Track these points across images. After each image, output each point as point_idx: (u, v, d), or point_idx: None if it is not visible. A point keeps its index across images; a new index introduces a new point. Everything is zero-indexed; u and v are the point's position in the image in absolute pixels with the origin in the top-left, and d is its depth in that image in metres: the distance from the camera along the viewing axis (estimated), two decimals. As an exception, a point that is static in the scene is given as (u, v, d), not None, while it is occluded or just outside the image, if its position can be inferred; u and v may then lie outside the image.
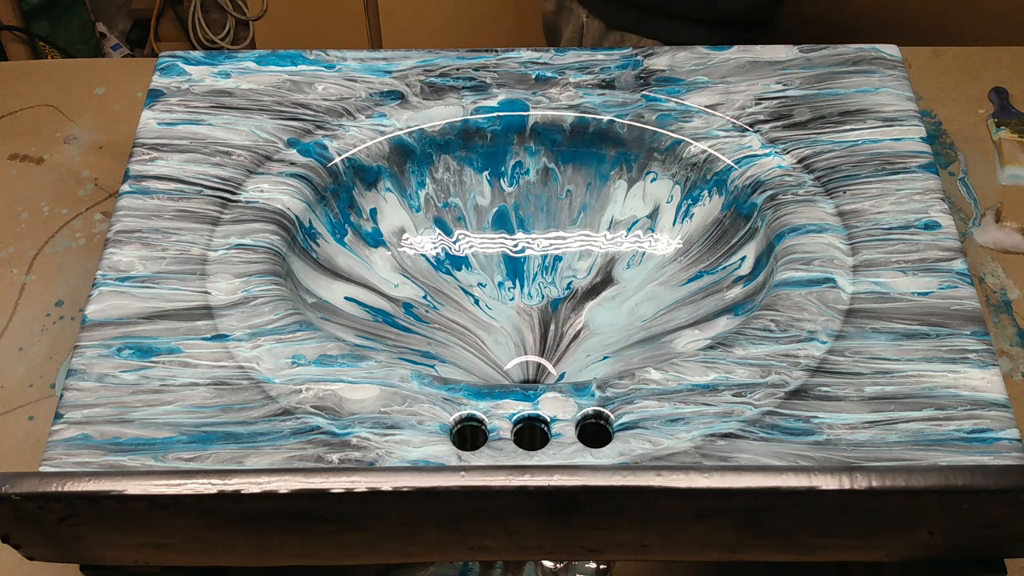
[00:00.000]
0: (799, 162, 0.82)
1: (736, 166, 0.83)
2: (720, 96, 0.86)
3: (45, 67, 1.15)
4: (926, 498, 0.55)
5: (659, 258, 0.86)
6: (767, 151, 0.83)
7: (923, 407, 0.67)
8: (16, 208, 1.00)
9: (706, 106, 0.86)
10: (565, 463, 0.65)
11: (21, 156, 1.04)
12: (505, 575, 0.79)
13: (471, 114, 0.86)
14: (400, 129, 0.85)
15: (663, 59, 0.89)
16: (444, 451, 0.66)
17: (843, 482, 0.55)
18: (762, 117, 0.85)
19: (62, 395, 0.69)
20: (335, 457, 0.65)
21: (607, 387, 0.69)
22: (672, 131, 0.85)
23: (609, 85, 0.87)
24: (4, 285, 0.94)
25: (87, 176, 1.02)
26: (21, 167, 1.03)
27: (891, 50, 0.90)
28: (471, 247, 0.88)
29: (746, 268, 0.81)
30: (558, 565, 0.78)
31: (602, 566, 0.79)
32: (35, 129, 1.06)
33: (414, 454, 0.65)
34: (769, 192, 0.80)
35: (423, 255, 0.87)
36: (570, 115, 0.86)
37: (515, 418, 0.68)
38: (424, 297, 0.85)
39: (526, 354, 0.83)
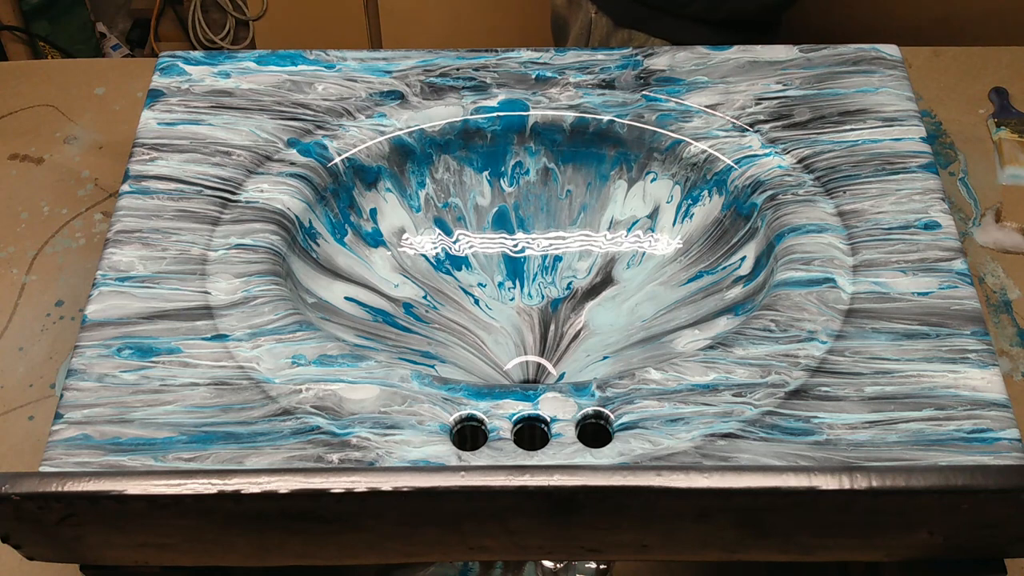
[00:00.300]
0: (799, 162, 0.82)
1: (736, 166, 0.83)
2: (720, 96, 0.86)
3: (45, 67, 1.15)
4: (926, 498, 0.55)
5: (659, 258, 0.86)
6: (767, 151, 0.83)
7: (923, 407, 0.67)
8: (16, 208, 1.00)
9: (706, 106, 0.86)
10: (565, 463, 0.65)
11: (21, 156, 1.04)
12: (505, 575, 0.79)
13: (471, 114, 0.86)
14: (400, 129, 0.85)
15: (663, 59, 0.89)
16: (444, 451, 0.66)
17: (843, 482, 0.55)
18: (762, 117, 0.85)
19: (62, 395, 0.68)
20: (335, 457, 0.65)
21: (607, 387, 0.69)
22: (672, 131, 0.85)
23: (609, 85, 0.87)
24: (4, 285, 0.94)
25: (87, 176, 1.02)
26: (21, 167, 1.03)
27: (891, 50, 0.89)
28: (471, 247, 0.88)
29: (746, 268, 0.81)
30: (558, 565, 0.78)
31: (602, 566, 0.79)
32: (35, 129, 1.06)
33: (414, 454, 0.65)
34: (769, 192, 0.80)
35: (423, 255, 0.87)
36: (570, 115, 0.86)
37: (515, 418, 0.68)
38: (424, 297, 0.85)
39: (526, 354, 0.83)
